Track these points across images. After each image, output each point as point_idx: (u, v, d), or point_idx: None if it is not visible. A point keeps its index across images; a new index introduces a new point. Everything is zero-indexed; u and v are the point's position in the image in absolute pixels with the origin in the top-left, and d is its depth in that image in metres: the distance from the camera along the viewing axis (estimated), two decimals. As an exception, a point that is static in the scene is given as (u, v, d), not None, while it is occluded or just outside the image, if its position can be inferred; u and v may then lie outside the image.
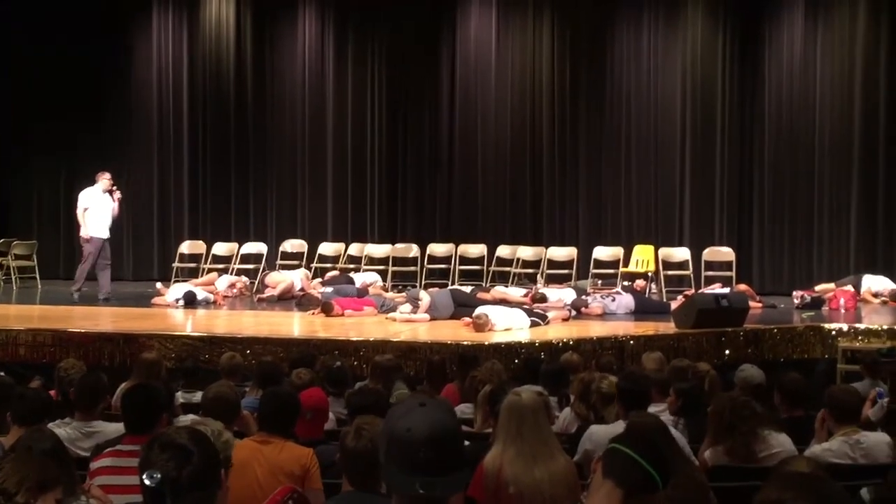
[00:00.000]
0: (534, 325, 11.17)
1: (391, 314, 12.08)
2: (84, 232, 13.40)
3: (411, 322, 11.62)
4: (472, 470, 4.40)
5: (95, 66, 16.89)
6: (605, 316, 12.34)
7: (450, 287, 13.78)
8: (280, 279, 14.24)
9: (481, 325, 10.75)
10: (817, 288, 13.52)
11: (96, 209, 13.43)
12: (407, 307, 12.09)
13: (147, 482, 1.88)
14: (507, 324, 10.95)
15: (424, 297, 12.02)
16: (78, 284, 13.43)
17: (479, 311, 11.10)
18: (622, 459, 2.84)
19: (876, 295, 13.36)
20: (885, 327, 10.90)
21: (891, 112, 14.55)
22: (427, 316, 11.73)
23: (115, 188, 13.60)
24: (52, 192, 13.95)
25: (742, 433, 5.21)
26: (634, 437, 3.00)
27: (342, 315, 12.14)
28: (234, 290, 14.34)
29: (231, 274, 15.18)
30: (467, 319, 11.13)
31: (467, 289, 13.33)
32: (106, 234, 13.54)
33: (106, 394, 5.88)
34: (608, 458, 2.89)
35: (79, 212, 13.48)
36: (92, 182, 13.67)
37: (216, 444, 3.38)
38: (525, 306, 12.01)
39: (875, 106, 14.59)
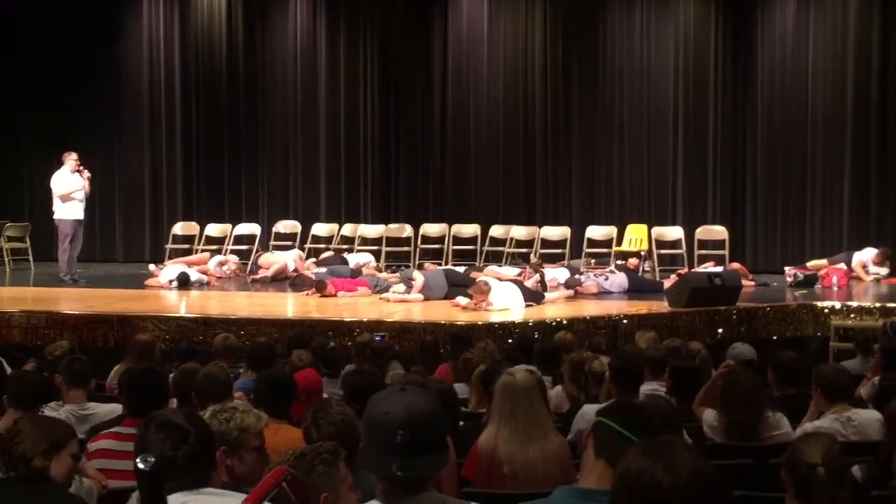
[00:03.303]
0: (528, 305, 11.18)
1: (384, 294, 12.10)
2: (59, 214, 13.36)
3: (405, 302, 11.64)
4: (465, 451, 4.43)
5: (87, 48, 16.81)
6: (599, 295, 12.36)
7: (443, 267, 13.80)
8: (273, 260, 14.24)
9: (483, 292, 10.78)
10: (809, 264, 13.56)
11: (69, 191, 13.37)
12: (401, 287, 12.11)
13: (141, 466, 1.89)
14: (505, 303, 10.95)
15: (418, 278, 12.04)
16: (64, 269, 13.39)
17: (482, 278, 11.16)
18: (611, 436, 2.77)
19: (865, 266, 13.41)
20: (877, 305, 10.94)
21: (882, 91, 14.54)
22: (420, 296, 11.74)
23: (82, 168, 13.50)
24: (44, 174, 13.91)
25: (752, 409, 5.23)
26: (620, 410, 2.91)
27: (335, 295, 12.15)
28: (226, 269, 14.32)
29: (224, 255, 15.16)
30: (458, 301, 11.15)
31: (461, 269, 13.34)
32: (80, 216, 13.48)
33: (91, 375, 5.87)
34: (597, 435, 2.82)
35: (56, 195, 13.38)
36: (85, 165, 13.64)
37: (250, 419, 3.41)
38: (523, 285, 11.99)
39: (867, 84, 14.58)
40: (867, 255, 13.58)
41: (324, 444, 3.06)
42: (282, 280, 13.86)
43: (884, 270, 13.51)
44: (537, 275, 12.39)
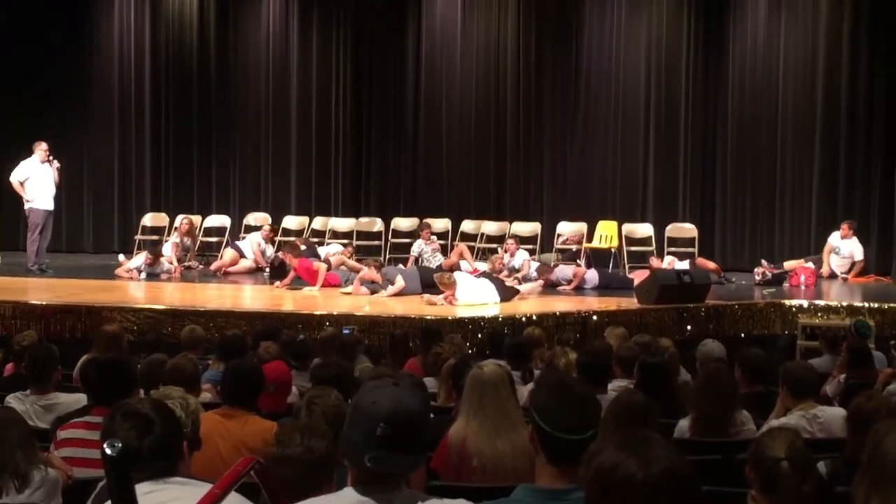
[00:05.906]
0: (505, 299, 11.16)
1: (353, 288, 12.08)
2: (28, 204, 13.25)
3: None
4: (434, 445, 4.43)
5: (57, 37, 16.65)
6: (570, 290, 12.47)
7: (416, 266, 13.75)
8: (229, 254, 14.37)
9: (449, 285, 10.79)
10: (786, 264, 13.62)
11: (38, 180, 13.24)
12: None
13: (108, 451, 1.87)
14: (471, 298, 10.93)
15: (399, 281, 11.95)
16: (32, 259, 13.28)
17: (452, 275, 11.20)
18: (545, 437, 2.64)
19: (834, 250, 13.61)
20: (844, 304, 11.03)
21: (852, 91, 14.62)
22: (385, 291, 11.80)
23: (51, 158, 13.40)
24: (11, 163, 13.78)
25: (728, 407, 5.25)
26: (539, 406, 2.71)
27: (295, 268, 12.17)
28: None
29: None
30: (427, 297, 11.16)
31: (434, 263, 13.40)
32: (51, 206, 13.39)
33: (57, 365, 5.83)
34: (535, 435, 2.68)
35: (14, 183, 13.31)
36: (57, 155, 13.55)
37: (185, 412, 3.39)
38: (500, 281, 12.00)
39: (837, 85, 14.66)
40: (833, 238, 13.73)
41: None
42: (252, 272, 13.95)
43: (852, 243, 13.62)
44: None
